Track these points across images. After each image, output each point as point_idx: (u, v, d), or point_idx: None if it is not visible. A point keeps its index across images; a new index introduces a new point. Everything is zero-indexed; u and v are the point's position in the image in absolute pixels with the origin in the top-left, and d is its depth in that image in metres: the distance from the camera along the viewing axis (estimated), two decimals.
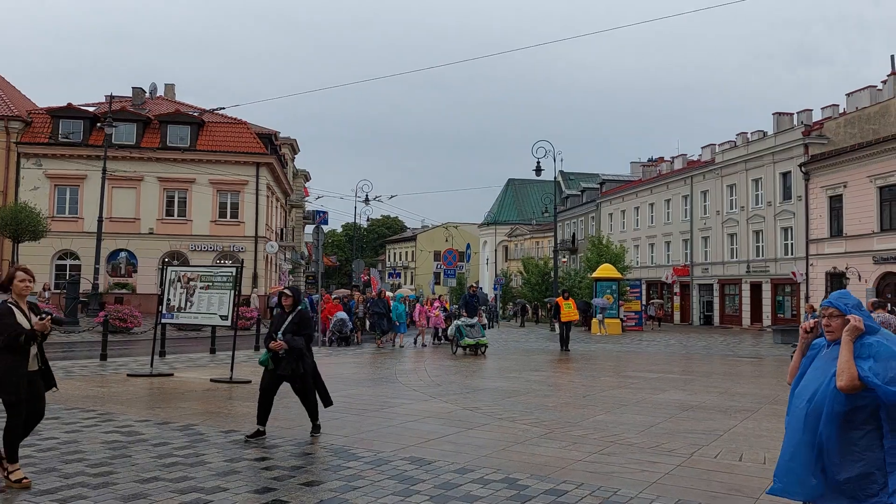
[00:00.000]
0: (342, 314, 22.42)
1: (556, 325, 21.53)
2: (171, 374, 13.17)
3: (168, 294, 12.93)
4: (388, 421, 8.84)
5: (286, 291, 8.08)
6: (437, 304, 25.36)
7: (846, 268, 34.09)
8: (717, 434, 8.24)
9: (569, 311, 21.26)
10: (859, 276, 33.29)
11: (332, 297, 25.75)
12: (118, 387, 11.51)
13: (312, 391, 8.06)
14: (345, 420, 8.89)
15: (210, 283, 12.65)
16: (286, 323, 7.83)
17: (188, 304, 12.72)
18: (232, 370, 12.59)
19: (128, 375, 12.87)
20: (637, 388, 12.89)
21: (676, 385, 13.18)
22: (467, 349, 19.38)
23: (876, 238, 32.68)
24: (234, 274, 12.70)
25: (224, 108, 29.57)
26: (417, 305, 24.09)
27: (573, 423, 8.92)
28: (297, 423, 8.62)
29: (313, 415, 8.05)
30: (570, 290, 42.74)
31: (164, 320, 13.30)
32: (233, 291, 12.45)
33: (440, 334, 23.90)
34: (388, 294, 26.17)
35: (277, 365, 7.78)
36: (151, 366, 13.37)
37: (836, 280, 35.02)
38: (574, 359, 18.60)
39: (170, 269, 13.30)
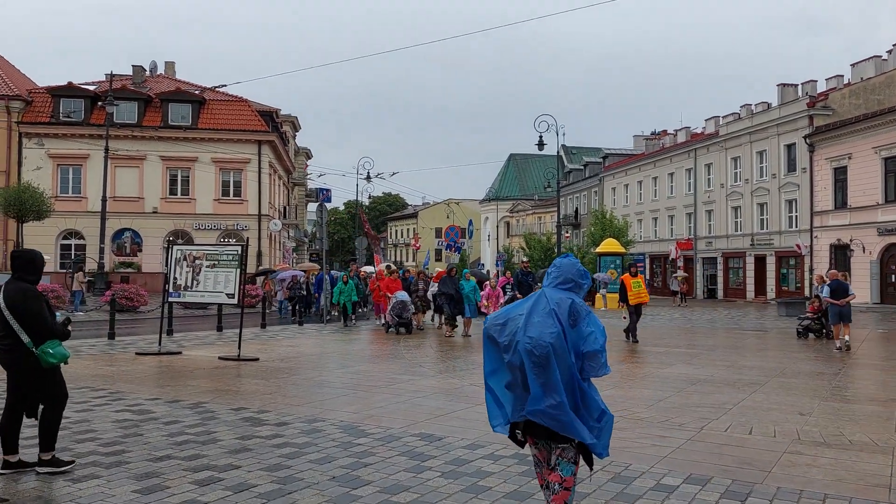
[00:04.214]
0: (403, 294, 18.65)
1: (625, 310, 16.52)
2: (180, 353, 13.22)
3: (174, 273, 12.93)
4: (396, 397, 8.86)
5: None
6: (500, 281, 20.92)
7: (850, 240, 34.01)
8: (725, 408, 8.26)
9: (638, 290, 16.24)
10: (863, 248, 33.23)
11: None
12: (127, 365, 11.55)
13: None
14: (353, 396, 8.92)
15: (216, 262, 12.64)
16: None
17: (195, 282, 12.72)
18: (239, 348, 12.62)
19: (136, 354, 12.92)
20: (643, 362, 12.92)
21: (682, 359, 13.20)
22: None
23: (881, 209, 32.56)
24: (239, 252, 12.67)
25: (226, 86, 29.35)
26: (487, 289, 19.49)
27: None
28: (307, 399, 8.65)
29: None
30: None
31: (171, 299, 13.31)
32: (238, 269, 12.44)
33: None
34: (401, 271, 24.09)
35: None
36: (160, 344, 13.41)
37: (841, 252, 34.96)
38: None
39: (175, 247, 13.28)
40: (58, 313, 5.84)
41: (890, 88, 36.65)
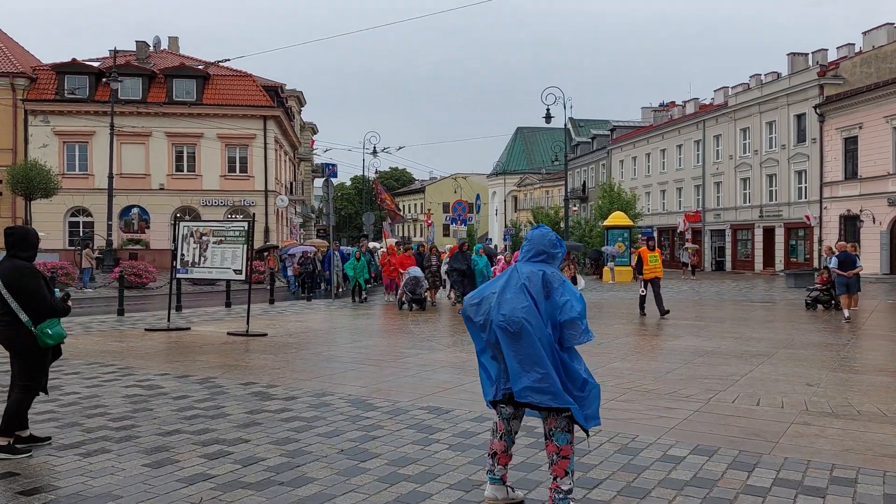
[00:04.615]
0: (416, 270, 18.24)
1: (640, 284, 16.36)
2: (188, 328, 13.29)
3: (181, 249, 12.96)
4: (404, 371, 8.90)
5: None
6: (514, 256, 21.05)
7: (860, 210, 33.79)
8: (733, 379, 8.25)
9: (654, 264, 16.08)
10: (873, 219, 33.02)
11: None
12: (136, 341, 11.63)
13: None
14: (361, 371, 8.96)
15: (223, 238, 12.65)
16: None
17: (202, 258, 12.75)
18: (248, 323, 12.68)
19: (146, 330, 12.99)
20: (651, 334, 12.93)
21: (690, 331, 13.19)
22: None
23: (891, 179, 32.30)
24: (245, 228, 12.68)
25: (229, 60, 29.38)
26: (501, 262, 18.43)
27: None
28: (315, 374, 8.70)
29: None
30: (581, 238, 42.71)
31: (178, 275, 13.36)
32: (245, 245, 12.45)
33: None
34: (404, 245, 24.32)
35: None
36: (168, 320, 13.49)
37: (850, 223, 34.75)
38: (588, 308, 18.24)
39: (182, 224, 13.29)
40: (56, 289, 5.80)
41: None
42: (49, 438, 5.63)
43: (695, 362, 9.52)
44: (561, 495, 4.06)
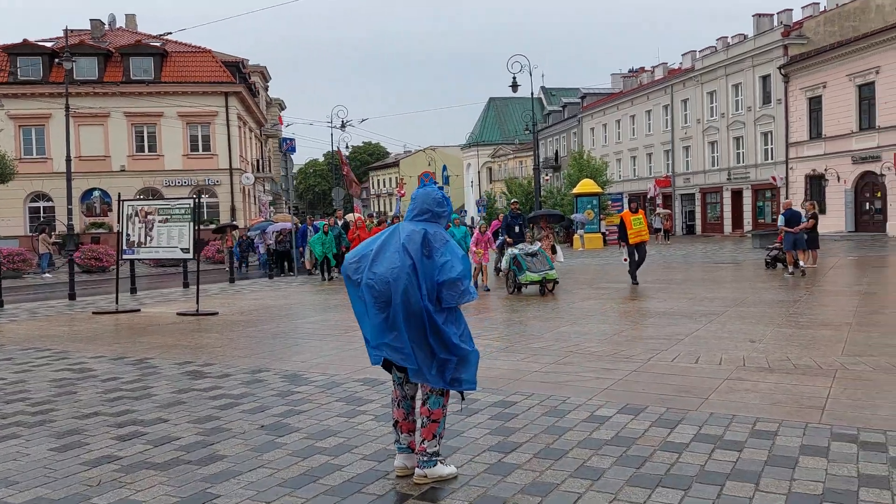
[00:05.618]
0: None
1: (624, 250, 15.47)
2: (139, 310, 13.02)
3: (127, 230, 12.64)
4: (348, 344, 8.74)
5: None
6: (493, 225, 19.15)
7: (825, 169, 34.02)
8: (678, 338, 8.18)
9: (639, 228, 15.10)
10: (838, 177, 33.26)
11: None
12: (81, 325, 11.34)
13: None
14: (304, 346, 8.79)
15: (168, 217, 12.34)
16: None
17: (148, 238, 12.45)
18: (198, 302, 12.43)
19: (93, 313, 12.70)
20: (606, 298, 12.86)
21: (648, 294, 13.16)
22: (526, 286, 14.03)
23: (854, 138, 32.48)
24: (191, 206, 12.37)
25: (171, 33, 28.71)
26: (476, 234, 16.86)
27: (535, 335, 8.84)
28: (256, 351, 8.51)
29: None
30: (553, 207, 42.61)
31: (125, 256, 13.04)
32: (191, 224, 12.15)
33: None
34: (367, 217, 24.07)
35: None
36: (117, 302, 13.20)
37: (816, 182, 34.99)
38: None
39: (126, 203, 12.94)
40: None
41: (864, 14, 36.20)
42: None
43: (643, 323, 9.45)
44: (426, 457, 4.05)
